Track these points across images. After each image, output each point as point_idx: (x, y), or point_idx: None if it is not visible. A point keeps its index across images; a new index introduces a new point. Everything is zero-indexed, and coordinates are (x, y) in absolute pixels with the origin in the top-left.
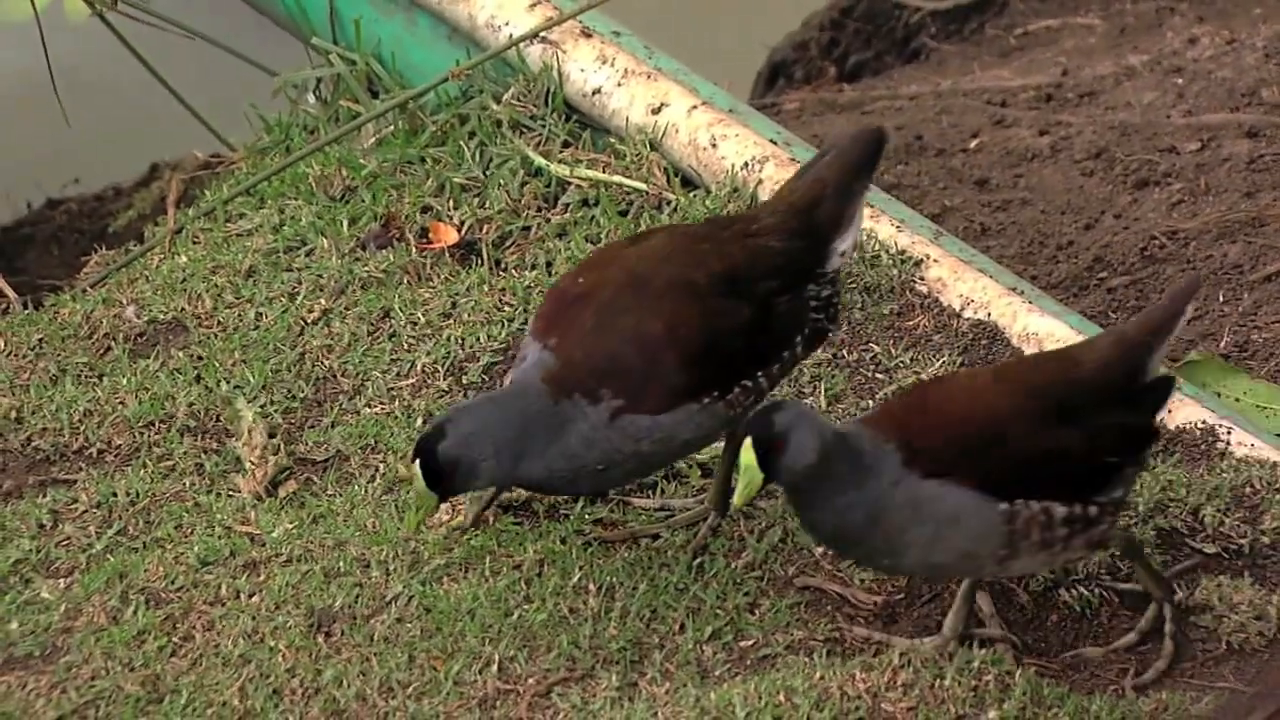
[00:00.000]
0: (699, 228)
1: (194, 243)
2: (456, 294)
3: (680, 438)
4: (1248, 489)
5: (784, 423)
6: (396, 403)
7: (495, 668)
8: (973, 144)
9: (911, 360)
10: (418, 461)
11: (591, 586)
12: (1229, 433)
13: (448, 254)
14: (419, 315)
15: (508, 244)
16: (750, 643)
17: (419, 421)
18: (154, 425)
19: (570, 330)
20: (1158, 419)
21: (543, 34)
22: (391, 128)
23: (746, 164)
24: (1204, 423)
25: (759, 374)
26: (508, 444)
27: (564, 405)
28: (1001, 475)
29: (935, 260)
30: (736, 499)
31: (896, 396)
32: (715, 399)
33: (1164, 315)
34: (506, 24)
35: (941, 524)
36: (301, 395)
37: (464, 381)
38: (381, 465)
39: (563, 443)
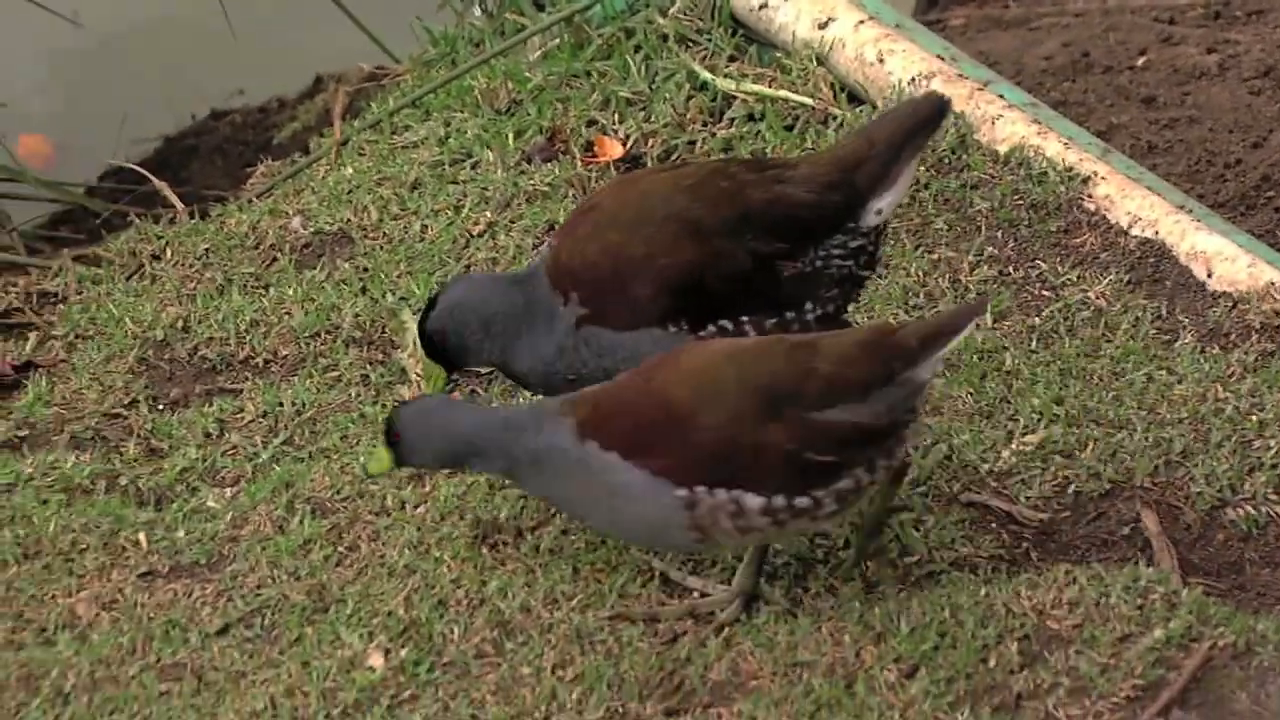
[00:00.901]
0: (736, 165)
1: (359, 154)
2: None
3: (640, 357)
4: None
5: (404, 419)
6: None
7: (658, 581)
8: (1140, 61)
9: (1078, 278)
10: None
11: None
12: None
13: (612, 168)
14: None
15: (672, 158)
16: (915, 559)
17: None
18: (320, 336)
19: (570, 232)
20: (896, 424)
21: None
22: (557, 41)
23: (913, 79)
24: None
25: (744, 318)
26: (501, 324)
27: (551, 296)
28: (683, 462)
29: (1102, 178)
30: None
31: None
32: (682, 330)
33: (937, 329)
34: None
35: (616, 496)
36: None
37: None
38: None
39: (546, 340)
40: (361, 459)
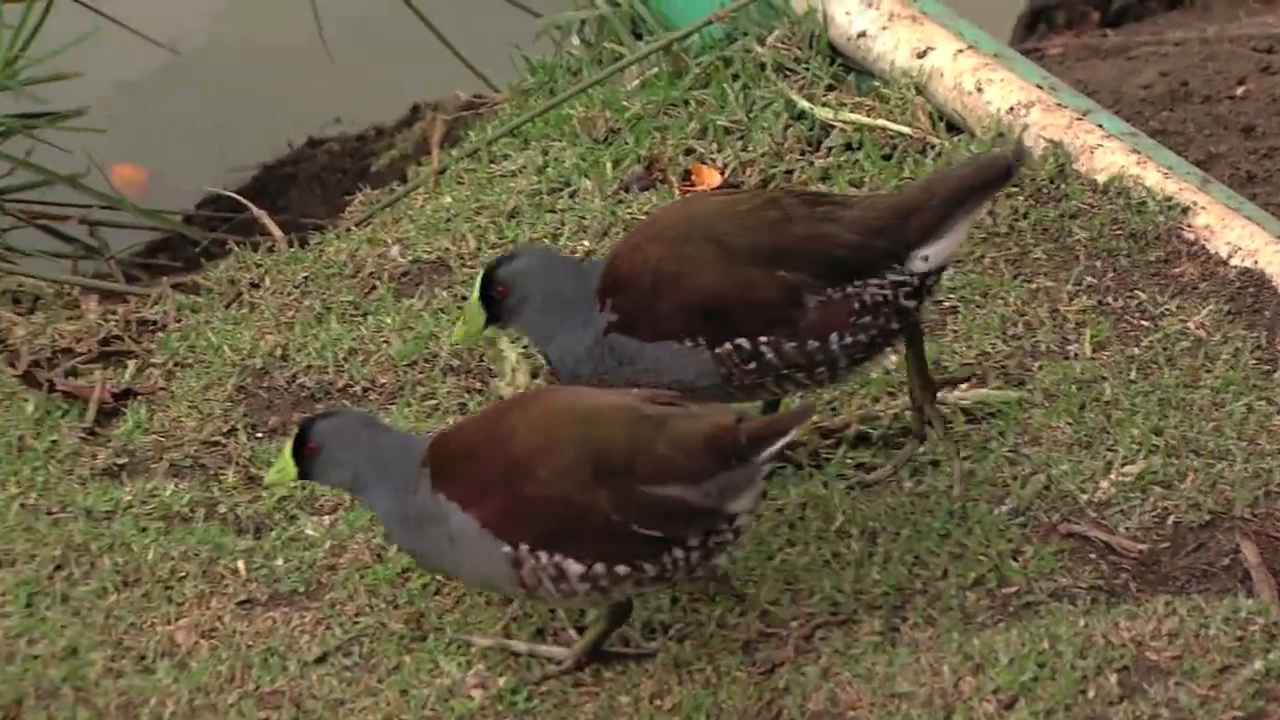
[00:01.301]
0: (792, 198)
1: (457, 183)
2: None
3: (667, 374)
4: None
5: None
6: None
7: (758, 611)
8: (1239, 91)
9: (1177, 308)
10: (480, 278)
11: (854, 531)
12: None
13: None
14: None
15: (769, 187)
16: (1013, 589)
17: None
18: (417, 364)
19: (625, 242)
20: (731, 505)
21: None
22: (655, 70)
23: (1012, 109)
24: None
25: (763, 341)
26: (556, 308)
27: (594, 301)
28: (512, 516)
29: (1202, 207)
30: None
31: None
32: (700, 346)
33: (766, 429)
34: None
35: (456, 544)
36: None
37: None
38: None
39: (577, 337)
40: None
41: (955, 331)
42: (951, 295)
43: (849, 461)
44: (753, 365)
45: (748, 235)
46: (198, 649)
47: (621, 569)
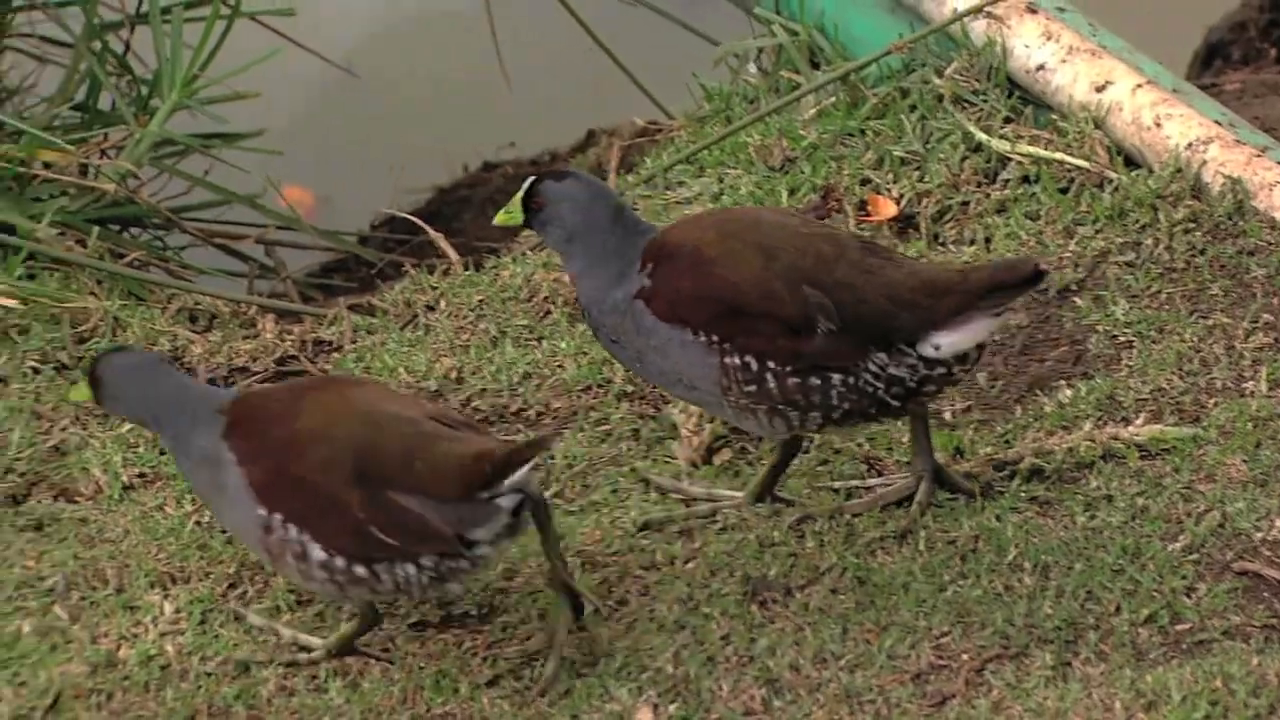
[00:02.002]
0: (854, 239)
1: (633, 209)
2: None
3: (671, 358)
4: None
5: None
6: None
7: (929, 642)
8: None
9: None
10: (528, 184)
11: (1026, 564)
12: None
13: (886, 227)
14: None
15: (946, 218)
16: (1186, 627)
17: None
18: (591, 390)
19: (692, 218)
20: (471, 533)
21: (988, 9)
22: (832, 99)
23: (1190, 144)
24: None
25: (769, 365)
26: (589, 245)
27: (637, 262)
28: (274, 484)
29: None
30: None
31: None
32: (708, 344)
33: (507, 458)
34: None
35: (223, 495)
36: None
37: None
38: (817, 436)
39: (610, 288)
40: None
41: (1130, 367)
42: (1127, 330)
43: (1022, 494)
44: (753, 388)
45: (794, 255)
46: (369, 669)
47: (359, 569)
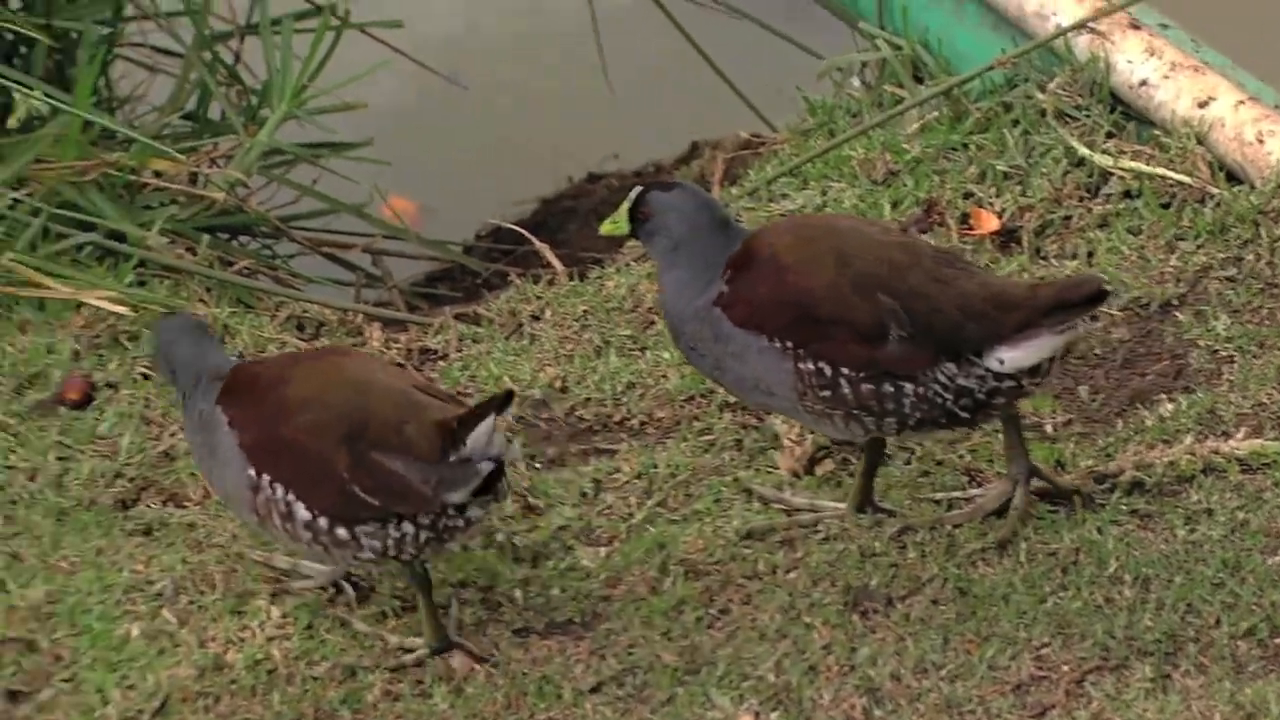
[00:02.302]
0: (932, 248)
1: (736, 221)
2: None
3: (749, 364)
4: None
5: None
6: None
7: (1030, 654)
8: None
9: None
10: (635, 194)
11: (1127, 577)
12: None
13: (988, 240)
14: None
15: (1048, 232)
16: None
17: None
18: (694, 400)
19: (774, 224)
20: (448, 495)
21: (1091, 24)
22: (936, 114)
23: None
24: None
25: (842, 371)
26: (689, 254)
27: (721, 269)
28: (263, 445)
29: None
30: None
31: None
32: (782, 349)
33: (476, 412)
34: (1055, 14)
35: (215, 457)
36: None
37: None
38: (918, 448)
39: (693, 296)
40: None
41: (1231, 381)
42: (1228, 345)
43: (1123, 507)
44: (827, 394)
45: (869, 263)
46: (474, 675)
47: (341, 531)
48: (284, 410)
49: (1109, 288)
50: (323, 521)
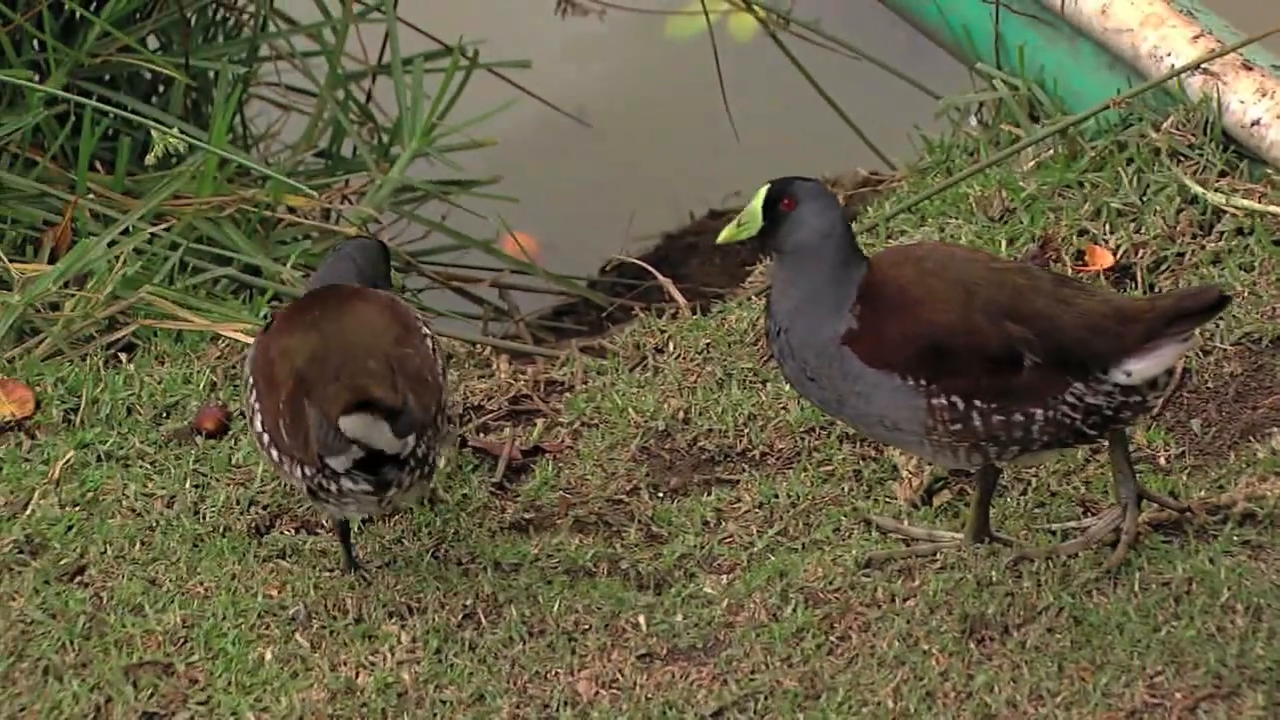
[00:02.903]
0: (1045, 272)
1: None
2: None
3: (875, 403)
4: None
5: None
6: None
7: (1143, 681)
8: None
9: None
10: (769, 185)
11: (1239, 606)
12: None
13: (1103, 276)
14: None
15: (1162, 269)
16: None
17: None
18: (814, 431)
19: (888, 256)
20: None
21: (1204, 65)
22: (1051, 152)
23: None
24: None
25: (975, 403)
26: (829, 249)
27: (850, 295)
28: (270, 413)
29: None
30: (721, 235)
31: None
32: (917, 387)
33: (352, 396)
34: (1169, 55)
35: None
36: None
37: None
38: (1034, 479)
39: (816, 320)
40: None
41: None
42: None
43: (1235, 538)
44: (958, 427)
45: (992, 290)
46: (599, 699)
47: (275, 453)
48: (278, 335)
49: (1228, 294)
50: (266, 438)
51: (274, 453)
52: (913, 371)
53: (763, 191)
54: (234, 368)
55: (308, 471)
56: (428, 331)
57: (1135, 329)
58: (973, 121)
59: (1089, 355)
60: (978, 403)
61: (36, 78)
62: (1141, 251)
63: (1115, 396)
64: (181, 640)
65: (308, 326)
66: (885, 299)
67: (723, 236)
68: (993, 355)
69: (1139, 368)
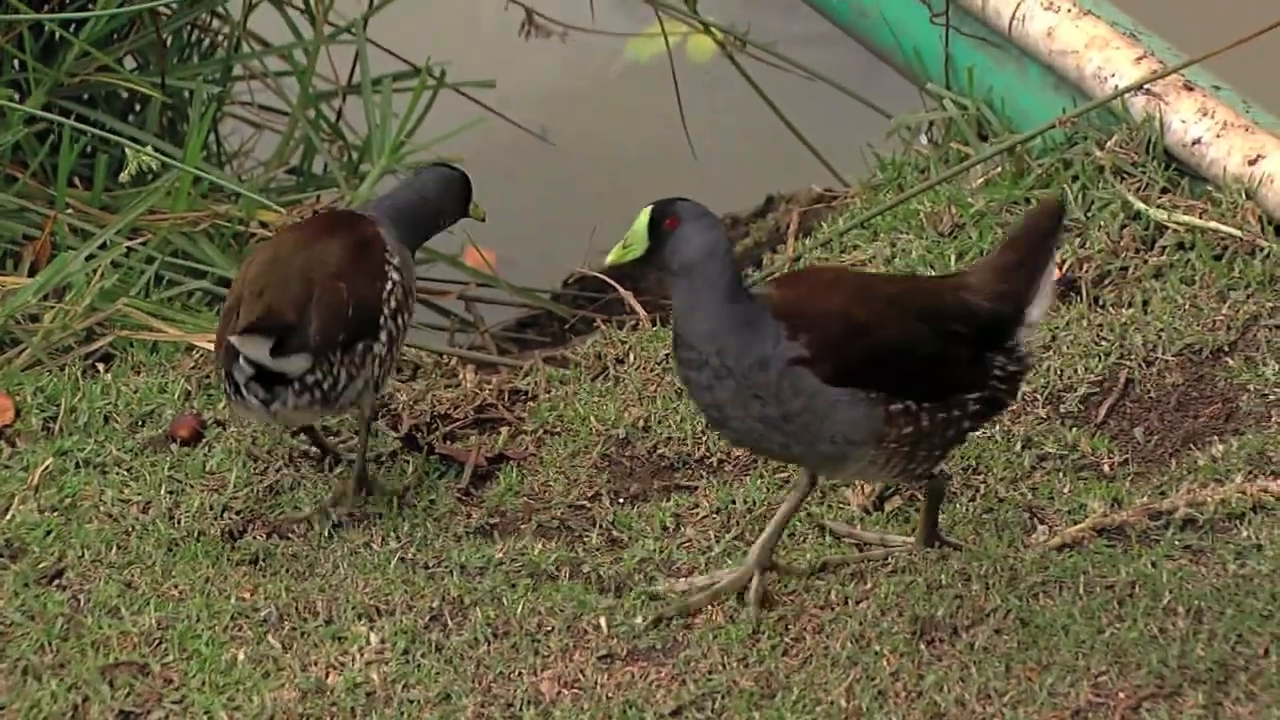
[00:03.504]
0: (926, 278)
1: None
2: (1056, 328)
3: (830, 420)
4: None
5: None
6: (997, 428)
7: (1088, 681)
8: None
9: None
10: (652, 207)
11: (1180, 609)
12: None
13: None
14: None
15: (1106, 282)
16: None
17: (1017, 446)
18: None
19: (793, 286)
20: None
21: (1147, 86)
22: (999, 170)
23: None
24: None
25: (923, 406)
26: (716, 266)
27: (770, 322)
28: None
29: None
30: (609, 258)
31: None
32: (875, 399)
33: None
34: (1113, 75)
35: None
36: None
37: (1061, 410)
38: (982, 486)
39: (746, 339)
40: None
41: (1279, 424)
42: (1277, 389)
43: (1176, 543)
44: (910, 429)
45: (908, 299)
46: (561, 699)
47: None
48: (269, 246)
49: (1063, 201)
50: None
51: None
52: (873, 384)
53: (646, 212)
54: (208, 377)
55: (223, 377)
56: (395, 278)
57: (1020, 277)
58: (923, 140)
59: (1005, 325)
60: (926, 404)
61: (17, 97)
62: (1086, 266)
63: (1021, 357)
64: (157, 641)
65: (278, 246)
66: (833, 326)
67: (610, 258)
68: (937, 354)
69: (1036, 312)
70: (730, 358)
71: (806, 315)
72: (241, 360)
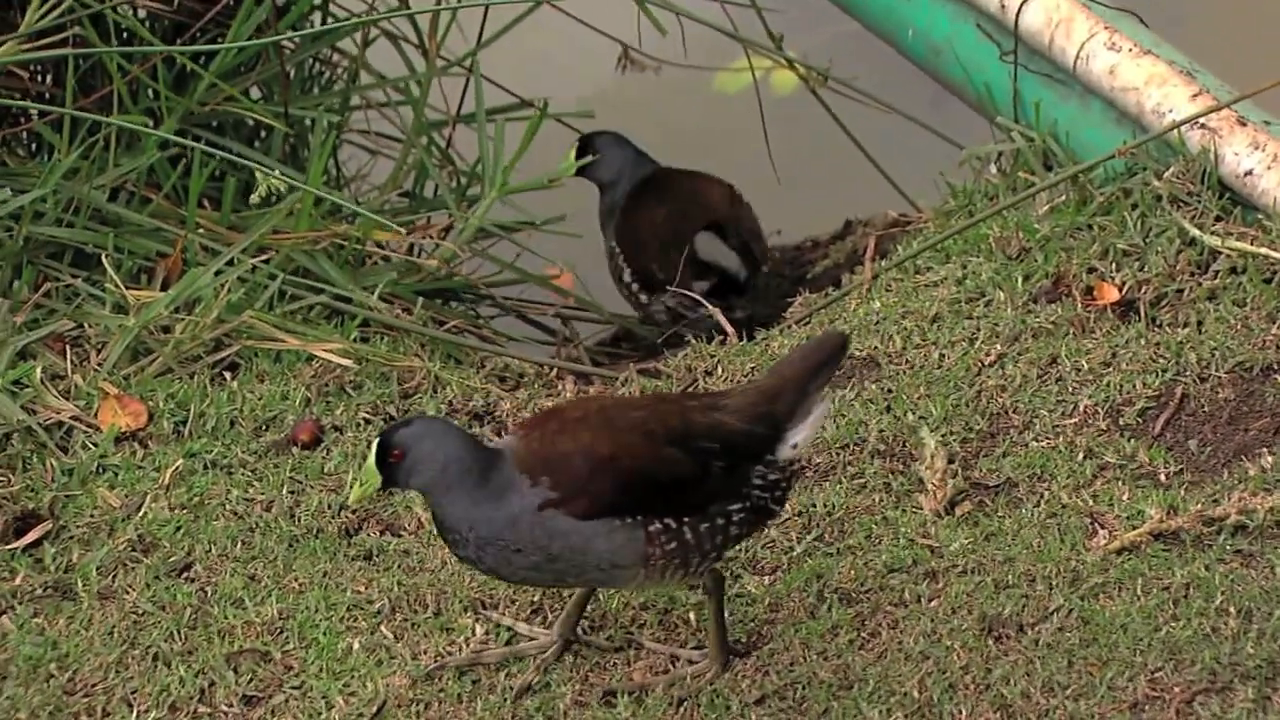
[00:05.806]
0: (676, 395)
1: (886, 290)
2: (1116, 345)
3: (593, 552)
4: None
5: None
6: (1060, 439)
7: (1145, 676)
8: None
9: None
10: (377, 443)
11: (1232, 609)
12: None
13: (1109, 310)
14: (1082, 363)
15: (1163, 304)
16: None
17: (1080, 456)
18: (849, 447)
19: (538, 426)
20: None
21: (1202, 120)
22: (1063, 197)
23: None
24: None
25: (684, 520)
26: (461, 473)
27: (514, 477)
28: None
29: None
30: (351, 497)
31: None
32: (635, 524)
33: None
34: (1170, 110)
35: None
36: (977, 427)
37: (1120, 423)
38: (1046, 492)
39: (493, 507)
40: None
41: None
42: None
43: (1228, 548)
44: (673, 545)
45: (659, 422)
46: (654, 688)
47: None
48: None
49: (847, 333)
50: None
51: None
52: (629, 511)
53: (373, 450)
54: (327, 385)
55: None
56: None
57: (784, 401)
58: (992, 170)
59: (758, 443)
60: (686, 519)
61: (152, 123)
62: (1144, 288)
63: (782, 467)
64: (278, 630)
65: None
66: (575, 464)
67: (352, 499)
68: (689, 475)
69: (800, 436)
70: (483, 528)
71: (549, 459)
72: None
